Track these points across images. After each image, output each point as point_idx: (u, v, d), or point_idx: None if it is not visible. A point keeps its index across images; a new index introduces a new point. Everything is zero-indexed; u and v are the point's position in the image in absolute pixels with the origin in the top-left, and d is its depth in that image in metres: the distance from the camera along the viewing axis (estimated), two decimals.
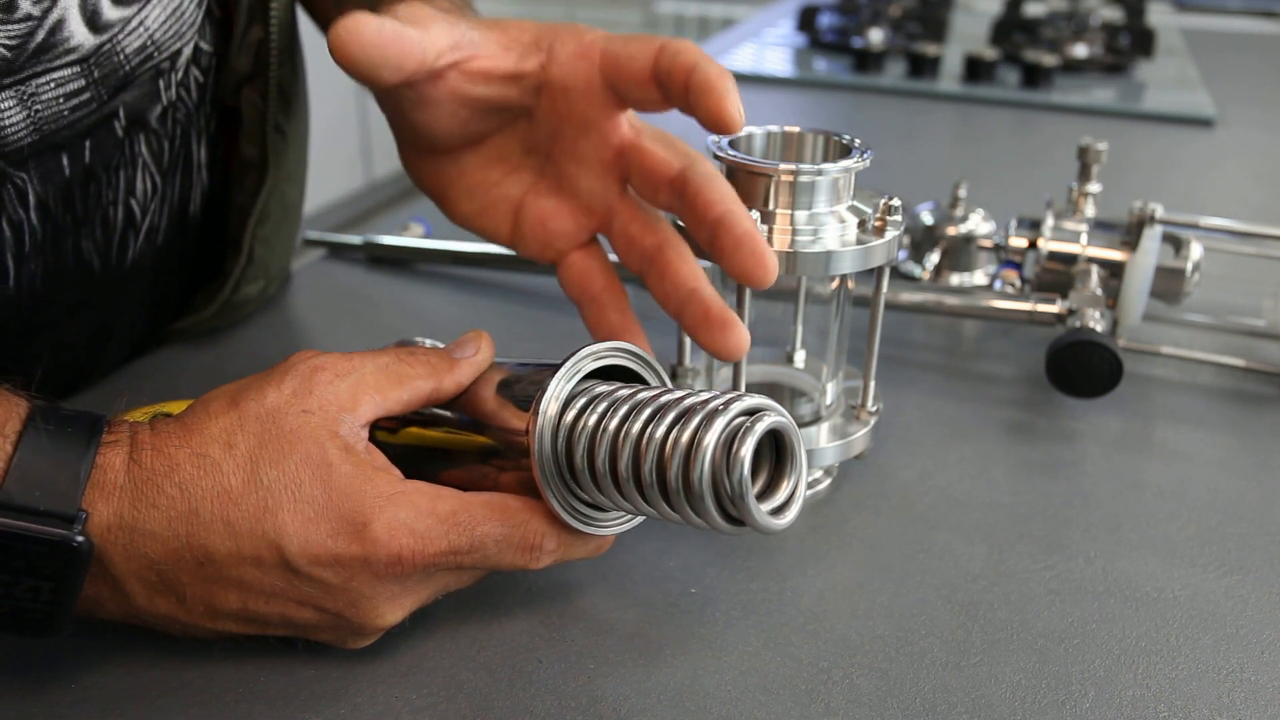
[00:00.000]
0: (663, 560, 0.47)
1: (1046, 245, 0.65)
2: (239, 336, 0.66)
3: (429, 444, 0.43)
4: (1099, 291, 0.62)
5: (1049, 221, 0.65)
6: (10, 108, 0.46)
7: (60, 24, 0.47)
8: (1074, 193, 0.66)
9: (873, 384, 0.52)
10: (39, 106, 0.47)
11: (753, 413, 0.36)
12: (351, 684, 0.40)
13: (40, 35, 0.46)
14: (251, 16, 0.58)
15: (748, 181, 0.47)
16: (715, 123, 0.41)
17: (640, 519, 0.42)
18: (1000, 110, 1.27)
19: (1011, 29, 1.54)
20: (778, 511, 0.37)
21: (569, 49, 0.44)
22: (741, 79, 1.35)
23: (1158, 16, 1.82)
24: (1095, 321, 0.59)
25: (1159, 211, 0.62)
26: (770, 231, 0.46)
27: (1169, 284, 0.63)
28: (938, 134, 1.20)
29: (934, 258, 0.72)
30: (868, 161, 0.47)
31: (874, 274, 0.49)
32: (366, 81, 0.41)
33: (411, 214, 0.82)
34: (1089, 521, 0.51)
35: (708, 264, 0.46)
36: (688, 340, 0.51)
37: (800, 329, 0.54)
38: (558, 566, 0.44)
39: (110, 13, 0.49)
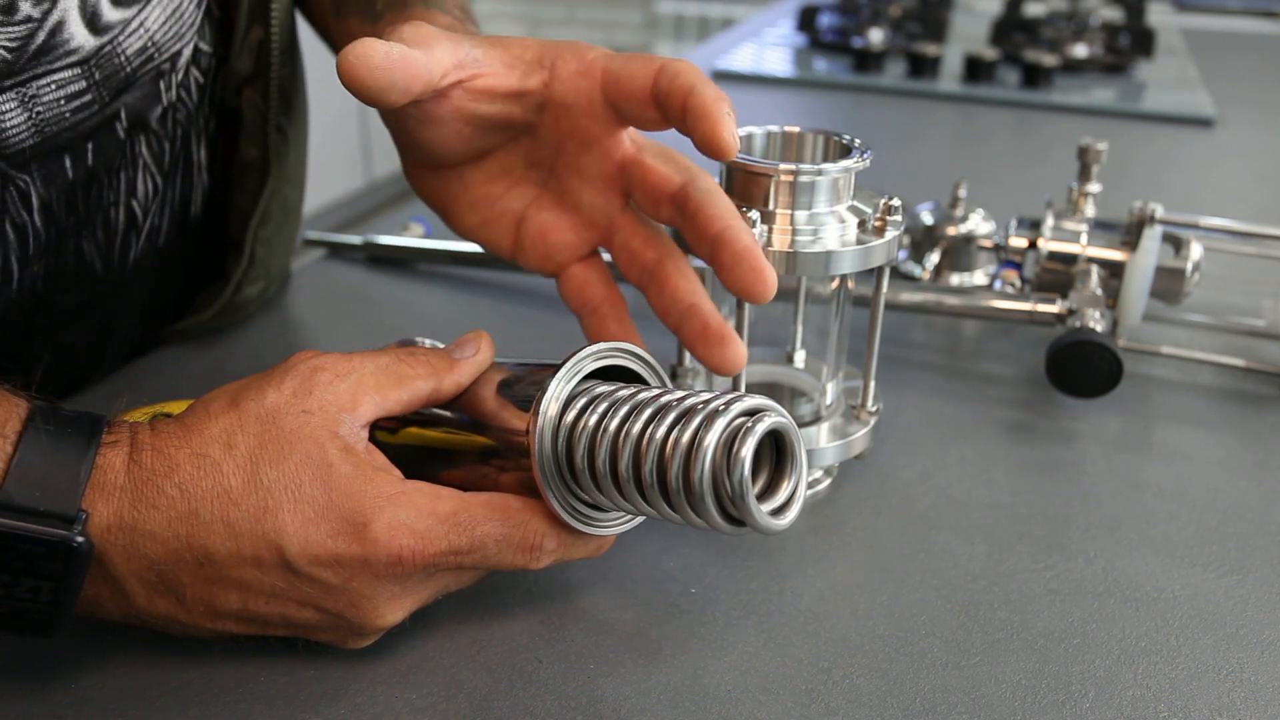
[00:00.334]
0: (663, 560, 0.47)
1: (1046, 245, 0.65)
2: (239, 336, 0.66)
3: (429, 444, 0.43)
4: (1099, 291, 0.62)
5: (1049, 221, 0.65)
6: (11, 110, 0.46)
7: (60, 25, 0.47)
8: (1074, 193, 0.66)
9: (873, 384, 0.52)
10: (40, 108, 0.47)
11: (753, 413, 0.36)
12: (351, 684, 0.40)
13: (40, 37, 0.46)
14: (252, 17, 0.58)
15: (748, 181, 0.47)
16: (709, 148, 0.41)
17: (640, 519, 0.42)
18: (1000, 110, 1.27)
19: (1011, 29, 1.54)
20: (778, 512, 0.37)
21: (571, 67, 0.45)
22: (741, 79, 1.36)
23: (1158, 16, 1.82)
24: (1095, 321, 0.59)
25: (1159, 211, 0.62)
26: (770, 231, 0.46)
27: (1169, 284, 0.63)
28: (938, 134, 1.20)
29: (934, 258, 0.72)
30: (868, 161, 0.47)
31: (874, 274, 0.49)
32: (374, 104, 0.41)
33: (411, 214, 0.83)
34: (1089, 521, 0.51)
35: (700, 263, 0.47)
36: None
37: (800, 329, 0.54)
38: (558, 566, 0.44)
39: (110, 14, 0.49)
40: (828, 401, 0.53)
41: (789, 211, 0.46)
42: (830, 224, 0.46)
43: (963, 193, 0.72)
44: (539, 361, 0.42)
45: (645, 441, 0.37)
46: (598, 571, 0.46)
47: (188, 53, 0.55)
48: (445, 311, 0.71)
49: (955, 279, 0.72)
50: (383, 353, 0.42)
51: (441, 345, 0.46)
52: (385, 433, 0.42)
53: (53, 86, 0.48)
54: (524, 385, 0.41)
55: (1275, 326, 0.66)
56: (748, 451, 0.34)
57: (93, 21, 0.49)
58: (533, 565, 0.40)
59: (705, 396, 0.37)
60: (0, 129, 0.46)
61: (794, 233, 0.46)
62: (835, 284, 0.51)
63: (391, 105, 0.42)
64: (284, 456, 0.37)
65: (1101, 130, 1.15)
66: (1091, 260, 0.64)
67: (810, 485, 0.52)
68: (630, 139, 0.47)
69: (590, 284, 0.49)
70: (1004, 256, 0.67)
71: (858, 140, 0.48)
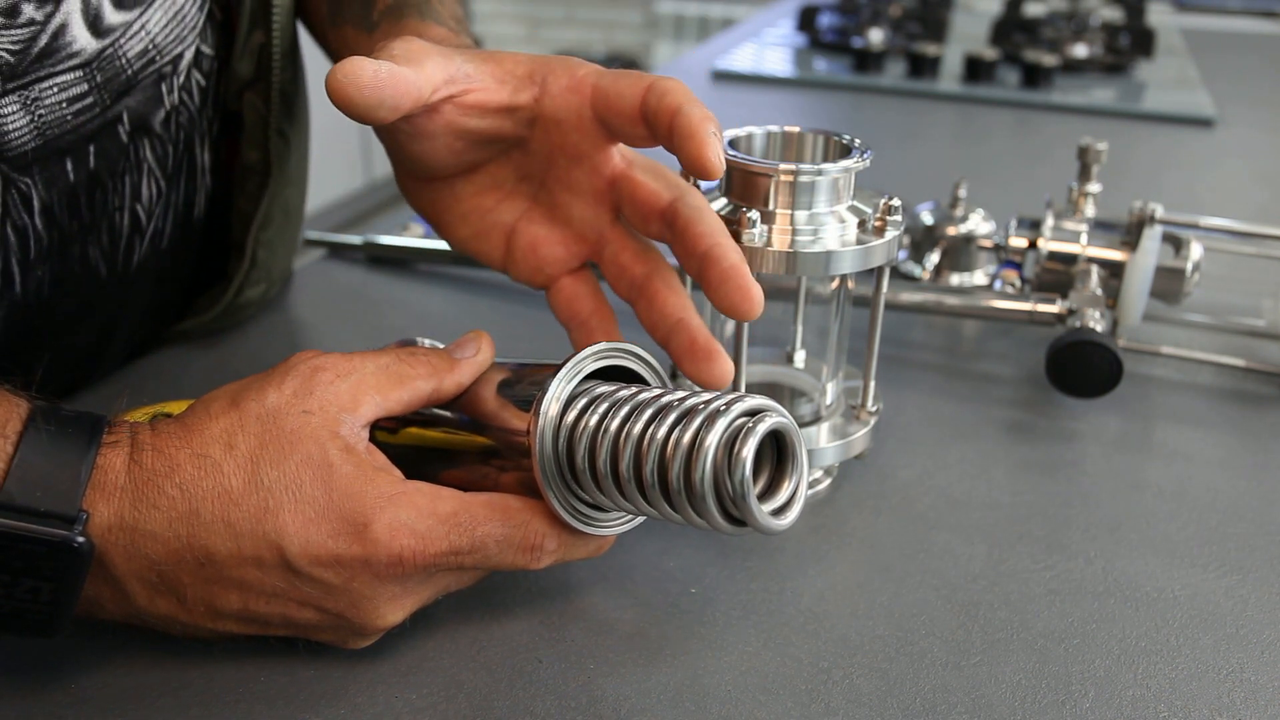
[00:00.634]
0: (663, 560, 0.47)
1: (1046, 245, 0.65)
2: (239, 336, 0.66)
3: (429, 444, 0.43)
4: (1099, 291, 0.62)
5: (1049, 221, 0.65)
6: (14, 112, 0.46)
7: (63, 28, 0.47)
8: (1074, 193, 0.66)
9: (873, 384, 0.52)
10: (42, 111, 0.47)
11: (754, 413, 0.36)
12: (351, 684, 0.40)
13: (43, 40, 0.47)
14: (254, 21, 0.58)
15: (748, 181, 0.47)
16: (694, 167, 0.41)
17: (641, 519, 0.42)
18: (1000, 110, 1.27)
19: (1011, 29, 1.54)
20: (779, 512, 0.37)
21: (561, 83, 0.45)
22: (741, 79, 1.36)
23: (1158, 16, 1.82)
24: (1095, 321, 0.59)
25: (1159, 211, 0.62)
26: (770, 231, 0.46)
27: (1169, 284, 0.63)
28: (938, 134, 1.20)
29: (934, 258, 0.72)
30: (868, 161, 0.47)
31: (874, 274, 0.49)
32: (364, 122, 0.41)
33: (411, 214, 0.82)
34: (1089, 521, 0.51)
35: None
36: None
37: (800, 329, 0.54)
38: (558, 566, 0.44)
39: (112, 17, 0.49)
40: (828, 401, 0.53)
41: (789, 211, 0.46)
42: (830, 224, 0.46)
43: (963, 193, 0.72)
44: (539, 361, 0.42)
45: (646, 442, 0.37)
46: (598, 571, 0.46)
47: (189, 56, 0.55)
48: (445, 311, 0.71)
49: (955, 279, 0.72)
50: (383, 353, 0.42)
51: (441, 345, 0.46)
52: (385, 433, 0.43)
53: (55, 89, 0.48)
54: (524, 385, 0.41)
55: (1275, 326, 0.66)
56: (749, 452, 0.34)
57: (95, 24, 0.49)
58: (533, 565, 0.40)
59: (706, 397, 0.37)
60: (3, 132, 0.46)
61: (794, 233, 0.46)
62: (835, 284, 0.52)
63: (381, 122, 0.42)
64: (285, 457, 0.37)
65: (1101, 130, 1.15)
66: (1091, 260, 0.64)
67: (810, 485, 0.52)
68: (620, 154, 0.47)
69: (580, 297, 0.49)
70: (1004, 256, 0.67)
71: (858, 140, 0.48)
